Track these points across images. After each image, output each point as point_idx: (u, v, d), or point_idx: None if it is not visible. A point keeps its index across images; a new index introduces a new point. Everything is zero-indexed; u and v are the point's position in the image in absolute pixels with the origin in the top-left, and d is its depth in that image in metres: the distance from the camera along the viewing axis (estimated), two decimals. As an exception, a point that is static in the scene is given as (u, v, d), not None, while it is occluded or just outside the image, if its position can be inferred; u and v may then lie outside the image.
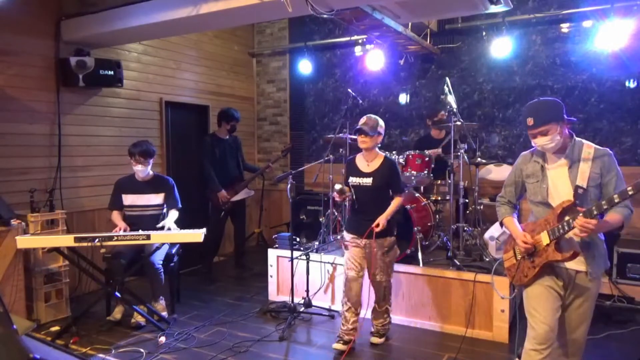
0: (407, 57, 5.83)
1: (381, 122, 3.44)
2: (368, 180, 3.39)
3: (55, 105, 4.52)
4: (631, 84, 4.87)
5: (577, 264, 2.31)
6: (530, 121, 2.31)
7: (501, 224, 2.66)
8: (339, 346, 3.44)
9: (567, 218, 2.26)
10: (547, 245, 2.32)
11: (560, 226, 2.26)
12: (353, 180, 3.47)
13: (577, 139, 2.37)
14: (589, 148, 2.32)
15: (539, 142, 2.34)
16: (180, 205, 4.22)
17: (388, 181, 3.41)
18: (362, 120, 3.42)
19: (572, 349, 2.49)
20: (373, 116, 3.44)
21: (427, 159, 4.41)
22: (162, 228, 3.93)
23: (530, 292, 2.42)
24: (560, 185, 2.35)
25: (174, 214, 4.12)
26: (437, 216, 4.71)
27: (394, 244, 3.51)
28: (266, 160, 6.73)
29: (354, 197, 3.46)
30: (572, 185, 2.30)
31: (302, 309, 4.15)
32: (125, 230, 3.87)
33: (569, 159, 2.34)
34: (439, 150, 4.86)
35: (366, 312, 3.59)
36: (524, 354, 2.40)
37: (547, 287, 2.37)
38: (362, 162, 3.50)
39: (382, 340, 3.62)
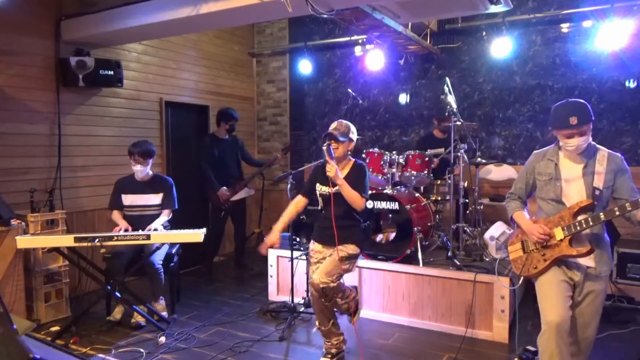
0: (407, 57, 5.83)
1: (353, 128, 3.21)
2: (335, 189, 3.09)
3: (55, 105, 4.51)
4: (631, 84, 4.87)
5: (587, 260, 2.37)
6: (574, 120, 2.29)
7: (511, 219, 2.68)
8: None
9: (584, 216, 2.32)
10: (561, 240, 2.37)
11: (577, 223, 2.31)
12: (321, 188, 3.21)
13: (592, 142, 2.43)
14: (602, 151, 2.40)
15: (574, 142, 2.34)
16: (176, 207, 4.22)
17: (353, 184, 3.08)
18: (333, 125, 3.19)
19: (582, 346, 2.52)
20: (344, 122, 3.21)
21: (427, 159, 4.41)
22: (149, 231, 3.87)
23: (542, 280, 2.47)
24: (573, 184, 2.41)
25: (163, 217, 4.10)
26: (437, 216, 4.71)
27: (356, 258, 3.21)
28: (266, 159, 6.73)
29: (320, 205, 3.22)
30: (585, 186, 2.37)
31: (302, 309, 4.15)
32: (126, 230, 3.87)
33: (584, 159, 2.39)
34: (441, 150, 4.86)
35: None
36: (539, 337, 2.43)
37: (558, 277, 2.42)
38: None
39: (356, 317, 3.35)
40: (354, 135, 3.21)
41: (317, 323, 3.30)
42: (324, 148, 3.06)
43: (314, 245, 3.31)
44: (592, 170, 2.36)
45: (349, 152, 3.23)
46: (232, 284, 5.24)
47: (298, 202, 3.36)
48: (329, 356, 3.30)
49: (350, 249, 3.14)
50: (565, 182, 2.42)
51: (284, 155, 5.81)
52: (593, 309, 2.44)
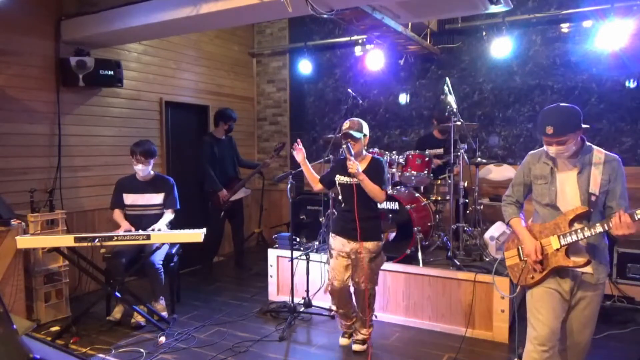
0: (407, 57, 5.83)
1: (365, 124, 3.37)
2: (355, 180, 3.24)
3: (55, 105, 4.51)
4: (631, 84, 4.87)
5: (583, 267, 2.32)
6: (549, 130, 2.23)
7: (508, 225, 2.64)
8: (345, 341, 3.55)
9: (580, 225, 2.27)
10: (557, 250, 2.31)
11: (573, 233, 2.26)
12: (340, 178, 3.35)
13: (588, 144, 2.37)
14: (599, 153, 2.33)
15: (554, 150, 2.29)
16: (178, 206, 4.21)
17: (373, 178, 3.23)
18: (346, 124, 3.33)
19: (575, 351, 2.47)
20: (356, 119, 3.36)
21: (427, 159, 4.41)
22: (153, 230, 3.88)
23: (535, 292, 2.42)
24: (569, 189, 2.35)
25: (168, 216, 4.12)
26: (437, 216, 4.71)
27: (381, 250, 3.36)
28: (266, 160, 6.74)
29: (341, 196, 3.38)
30: (580, 191, 2.31)
31: (302, 309, 4.15)
32: (128, 231, 3.87)
33: (579, 164, 2.33)
34: (440, 151, 4.86)
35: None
36: (525, 355, 2.40)
37: (552, 290, 2.36)
38: None
39: (364, 347, 3.47)
40: (366, 130, 3.37)
41: (335, 308, 3.54)
42: (344, 147, 3.25)
43: (334, 239, 3.40)
44: (588, 175, 2.30)
45: (365, 147, 3.40)
46: (232, 284, 5.24)
47: (318, 181, 3.56)
48: (347, 335, 3.57)
49: (372, 246, 3.28)
50: (560, 186, 2.36)
51: (276, 155, 5.75)
52: (587, 314, 2.38)
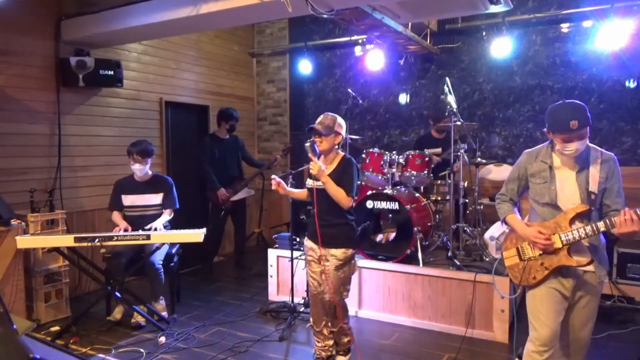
0: (407, 57, 5.83)
1: (340, 121, 3.04)
2: (318, 183, 2.98)
3: (55, 105, 4.51)
4: (631, 84, 4.87)
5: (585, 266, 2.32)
6: (575, 124, 2.19)
7: (504, 222, 2.62)
8: None
9: (581, 224, 2.26)
10: (559, 249, 2.30)
11: (575, 233, 2.25)
12: (309, 182, 3.11)
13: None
14: (595, 152, 2.33)
15: (573, 146, 2.25)
16: (177, 206, 4.22)
17: (339, 181, 2.93)
18: (319, 119, 3.04)
19: (576, 347, 2.48)
20: (331, 114, 3.04)
21: (427, 159, 4.41)
22: (150, 229, 3.87)
23: (536, 292, 2.41)
24: (567, 187, 2.34)
25: (165, 216, 4.12)
26: (437, 216, 4.71)
27: (351, 259, 3.03)
28: (266, 160, 6.73)
29: (311, 200, 3.08)
30: (580, 189, 2.30)
31: (302, 309, 4.14)
32: (126, 230, 3.87)
33: (578, 162, 2.32)
34: (439, 150, 4.87)
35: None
36: (525, 355, 2.40)
37: (553, 290, 2.36)
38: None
39: (347, 357, 3.25)
40: (341, 129, 3.05)
41: (310, 321, 3.27)
42: (307, 145, 2.96)
43: (307, 242, 3.19)
44: (587, 174, 2.29)
45: (337, 146, 3.08)
46: (232, 284, 5.24)
47: (304, 191, 3.30)
48: None
49: (339, 253, 2.97)
50: (559, 186, 2.35)
51: (284, 156, 5.80)
52: (587, 311, 2.39)
